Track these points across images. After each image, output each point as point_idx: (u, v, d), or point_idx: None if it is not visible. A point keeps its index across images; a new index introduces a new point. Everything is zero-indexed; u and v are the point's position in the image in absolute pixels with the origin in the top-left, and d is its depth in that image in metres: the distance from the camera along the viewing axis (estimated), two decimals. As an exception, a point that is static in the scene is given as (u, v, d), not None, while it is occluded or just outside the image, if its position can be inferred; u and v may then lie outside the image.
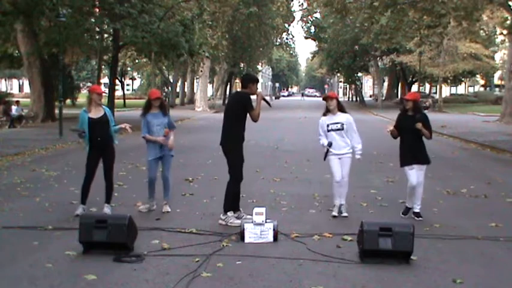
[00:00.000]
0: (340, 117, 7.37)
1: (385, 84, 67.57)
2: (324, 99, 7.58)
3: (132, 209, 7.44)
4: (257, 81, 7.07)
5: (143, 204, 7.71)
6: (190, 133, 21.92)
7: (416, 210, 7.33)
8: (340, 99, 7.65)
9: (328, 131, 7.36)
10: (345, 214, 7.37)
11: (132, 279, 4.87)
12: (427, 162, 7.36)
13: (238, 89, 7.45)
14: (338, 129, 7.32)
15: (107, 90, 26.82)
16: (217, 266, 5.20)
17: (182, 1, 25.60)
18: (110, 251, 5.49)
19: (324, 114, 7.50)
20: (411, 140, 7.27)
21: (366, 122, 28.51)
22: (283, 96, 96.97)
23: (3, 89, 61.25)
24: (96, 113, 7.22)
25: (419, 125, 7.14)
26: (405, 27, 23.94)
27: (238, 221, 6.63)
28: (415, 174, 7.24)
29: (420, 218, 7.21)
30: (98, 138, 7.17)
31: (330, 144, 7.30)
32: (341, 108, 7.43)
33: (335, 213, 7.41)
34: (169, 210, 7.53)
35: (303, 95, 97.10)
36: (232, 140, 6.87)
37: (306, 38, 57.90)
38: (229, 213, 6.88)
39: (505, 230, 6.74)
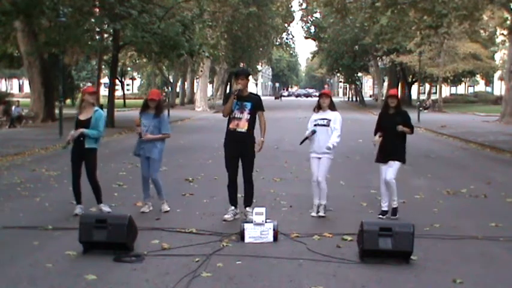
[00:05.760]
0: (329, 114, 7.38)
1: (385, 84, 67.53)
2: (319, 96, 7.66)
3: (132, 209, 7.43)
4: (237, 75, 7.09)
5: (143, 204, 7.70)
6: (190, 133, 21.91)
7: (394, 205, 7.31)
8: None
9: (315, 125, 7.37)
10: (321, 214, 7.31)
11: (132, 279, 4.87)
12: (399, 160, 7.30)
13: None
14: (323, 125, 7.30)
15: (107, 90, 26.91)
16: (217, 266, 5.20)
17: (182, 1, 25.59)
18: (110, 251, 5.49)
19: (315, 111, 7.54)
20: (389, 139, 7.27)
21: (365, 122, 28.51)
22: (283, 96, 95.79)
23: (3, 89, 61.20)
24: (85, 115, 7.27)
25: (400, 128, 7.18)
26: (405, 27, 23.93)
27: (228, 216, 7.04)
28: (386, 170, 7.30)
29: (396, 217, 7.19)
30: (81, 138, 7.23)
31: (313, 132, 7.31)
32: (332, 107, 7.43)
33: (314, 213, 7.40)
34: (169, 209, 7.52)
35: (280, 96, 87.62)
36: None
37: (306, 38, 57.91)
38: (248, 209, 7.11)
39: (505, 230, 6.74)
